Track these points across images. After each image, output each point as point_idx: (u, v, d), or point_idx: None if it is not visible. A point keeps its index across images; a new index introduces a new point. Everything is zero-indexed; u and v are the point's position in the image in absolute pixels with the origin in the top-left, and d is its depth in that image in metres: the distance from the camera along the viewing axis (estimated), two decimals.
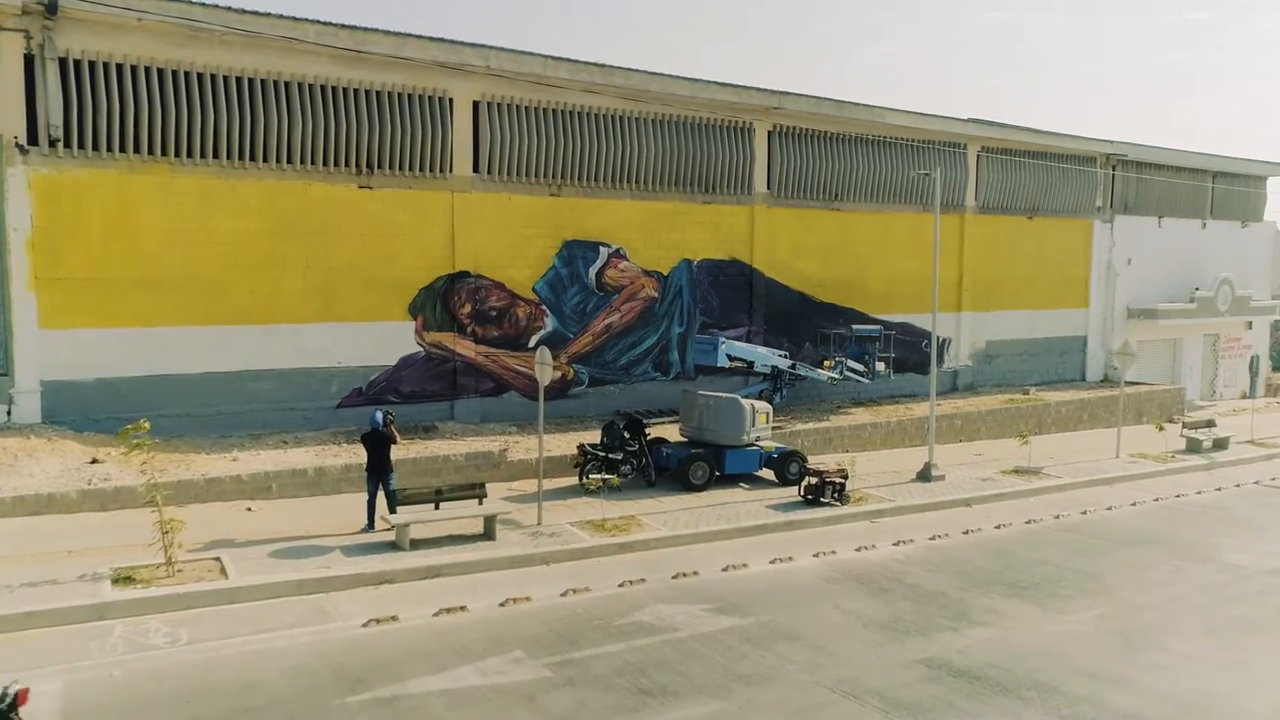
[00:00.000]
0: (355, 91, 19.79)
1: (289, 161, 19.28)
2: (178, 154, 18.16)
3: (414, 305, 20.88)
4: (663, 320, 24.36)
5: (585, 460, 18.33)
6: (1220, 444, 25.37)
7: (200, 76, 18.21)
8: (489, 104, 21.37)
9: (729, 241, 25.16)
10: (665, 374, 24.49)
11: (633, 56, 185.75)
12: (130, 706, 9.29)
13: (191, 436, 18.29)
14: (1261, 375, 37.23)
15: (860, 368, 24.93)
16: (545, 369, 16.24)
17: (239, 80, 18.60)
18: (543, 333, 22.49)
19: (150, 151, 17.94)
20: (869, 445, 23.70)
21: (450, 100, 20.88)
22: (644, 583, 13.55)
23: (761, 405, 19.78)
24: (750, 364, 23.05)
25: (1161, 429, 25.45)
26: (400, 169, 20.42)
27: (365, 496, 15.25)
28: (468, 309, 21.47)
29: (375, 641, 11.14)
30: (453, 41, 20.44)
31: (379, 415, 15.27)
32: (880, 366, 25.21)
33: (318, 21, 18.84)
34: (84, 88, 17.22)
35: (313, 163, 19.49)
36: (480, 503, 15.28)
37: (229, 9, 17.94)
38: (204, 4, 17.76)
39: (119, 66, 17.53)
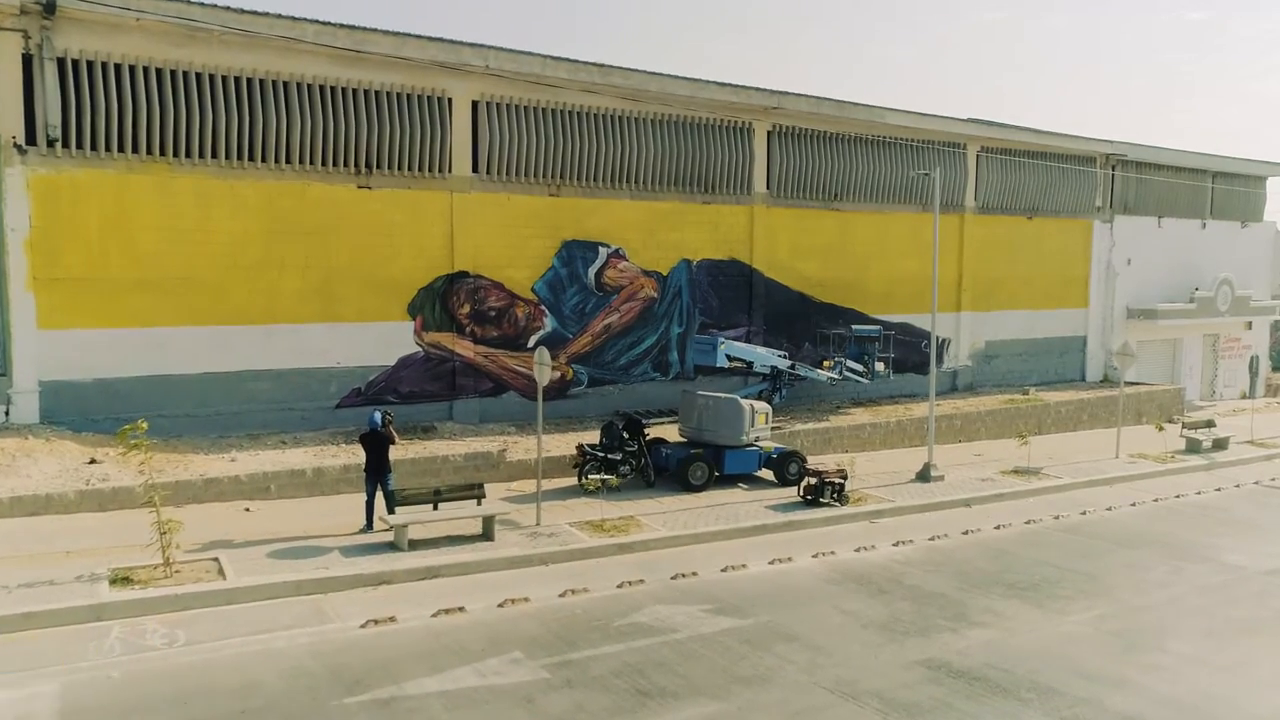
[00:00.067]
0: (354, 91, 19.77)
1: (288, 161, 19.26)
2: (176, 154, 18.14)
3: (413, 305, 20.86)
4: (662, 320, 24.34)
5: (584, 461, 18.32)
6: (1220, 444, 25.36)
7: (199, 76, 18.19)
8: (488, 104, 21.36)
9: (728, 241, 25.14)
10: (664, 374, 24.47)
11: (633, 56, 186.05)
12: (128, 707, 9.27)
13: (190, 437, 18.27)
14: (1261, 375, 37.19)
15: (859, 368, 24.92)
16: (544, 369, 16.22)
17: (237, 80, 18.58)
18: (542, 333, 22.48)
19: (149, 151, 17.91)
20: (868, 445, 23.69)
21: (449, 100, 20.86)
22: (643, 583, 13.53)
23: (761, 405, 19.77)
24: (749, 364, 23.02)
25: (1161, 429, 25.44)
26: (399, 169, 20.40)
27: (364, 497, 15.22)
28: (467, 309, 21.45)
29: (373, 642, 11.12)
30: (452, 41, 20.42)
31: (378, 416, 15.25)
32: (880, 367, 25.19)
33: (316, 21, 18.81)
34: (82, 88, 17.19)
35: (311, 163, 19.47)
36: (479, 503, 15.26)
37: (227, 9, 17.91)
38: (202, 4, 17.72)
39: (117, 66, 17.50)
